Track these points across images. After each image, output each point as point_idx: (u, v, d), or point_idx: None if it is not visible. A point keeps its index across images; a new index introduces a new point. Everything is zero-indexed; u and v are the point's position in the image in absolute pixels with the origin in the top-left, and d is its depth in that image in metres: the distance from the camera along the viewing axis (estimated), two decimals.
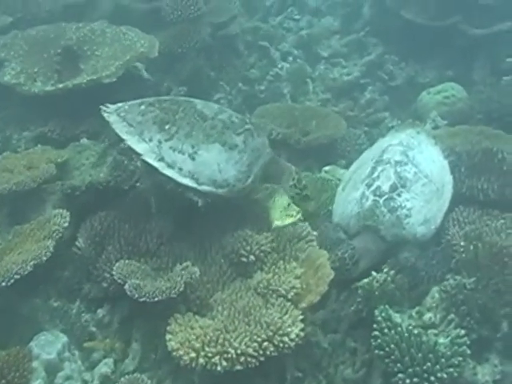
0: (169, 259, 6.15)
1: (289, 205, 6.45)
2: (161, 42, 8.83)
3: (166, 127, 6.07)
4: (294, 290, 5.74)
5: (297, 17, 11.68)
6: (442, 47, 10.42)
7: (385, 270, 6.05)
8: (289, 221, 6.39)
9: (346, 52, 10.91)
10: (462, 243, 6.28)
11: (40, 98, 7.87)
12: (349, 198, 6.71)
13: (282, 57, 10.72)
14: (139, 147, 6.06)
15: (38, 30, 9.01)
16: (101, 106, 6.28)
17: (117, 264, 5.82)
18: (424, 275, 6.17)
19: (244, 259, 6.04)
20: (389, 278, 5.96)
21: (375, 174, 6.61)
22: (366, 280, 5.96)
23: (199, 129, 6.08)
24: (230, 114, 6.32)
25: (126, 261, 5.90)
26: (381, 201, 6.36)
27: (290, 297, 5.71)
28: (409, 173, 6.53)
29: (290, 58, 10.64)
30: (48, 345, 5.77)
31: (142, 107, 6.22)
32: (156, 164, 6.00)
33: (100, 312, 6.13)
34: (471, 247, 6.10)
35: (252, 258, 6.03)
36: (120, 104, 6.31)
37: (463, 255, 6.13)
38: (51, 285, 6.27)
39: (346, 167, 8.01)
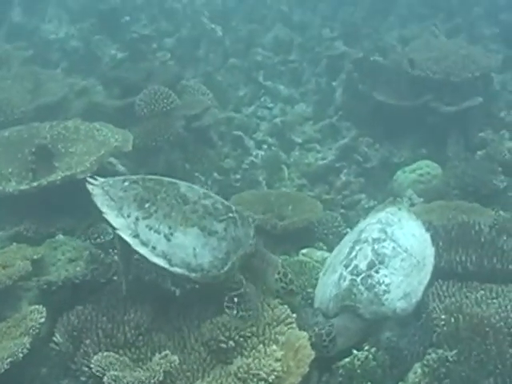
0: (147, 349, 6.07)
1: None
2: (135, 137, 8.92)
3: (146, 205, 6.08)
4: (275, 373, 5.64)
5: (270, 105, 11.91)
6: (414, 126, 10.65)
7: (366, 348, 6.01)
8: None
9: (319, 137, 11.05)
10: (443, 316, 6.24)
11: (15, 197, 7.86)
12: (328, 281, 6.71)
13: (257, 145, 10.87)
14: (116, 221, 6.07)
15: (11, 131, 9.06)
16: (87, 178, 6.31)
17: (95, 357, 5.73)
18: (407, 354, 6.10)
19: (223, 345, 5.97)
20: (370, 356, 5.93)
21: (353, 254, 6.64)
22: (347, 359, 5.93)
23: (179, 211, 6.06)
24: (215, 200, 6.28)
25: (105, 353, 5.80)
26: (358, 279, 6.36)
27: (270, 380, 5.61)
28: (387, 248, 6.56)
29: (265, 146, 10.75)
30: None
31: (126, 184, 6.25)
32: (130, 240, 6.00)
33: None
34: (452, 320, 6.06)
35: (231, 343, 5.97)
36: (106, 179, 6.35)
37: (444, 328, 6.09)
38: (28, 383, 6.14)
39: (324, 249, 8.04)
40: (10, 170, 8.33)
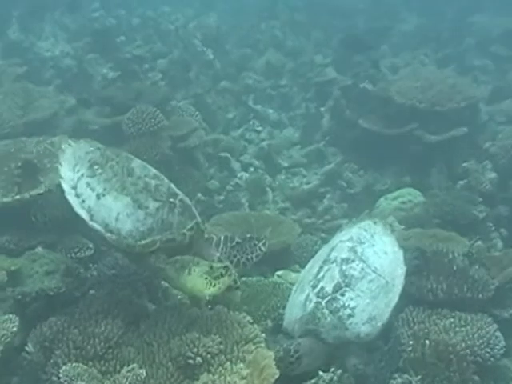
0: (116, 362, 6.13)
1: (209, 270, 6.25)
2: None
3: (95, 167, 6.42)
4: None
5: (258, 128, 11.99)
6: (399, 154, 10.74)
7: (331, 370, 6.07)
8: (213, 289, 6.26)
9: (305, 162, 11.13)
10: (411, 342, 6.32)
11: None
12: (296, 301, 6.75)
13: (243, 167, 10.94)
14: (65, 173, 6.46)
15: None
16: (68, 141, 6.76)
17: (63, 367, 5.81)
18: (373, 380, 6.17)
19: (191, 361, 6.03)
20: (335, 378, 5.98)
21: (320, 275, 6.67)
22: (312, 380, 5.99)
23: (120, 180, 6.31)
24: (163, 184, 6.42)
25: (73, 364, 5.87)
26: (323, 302, 6.38)
27: None
28: (355, 270, 6.57)
29: (251, 169, 10.82)
30: None
31: (90, 148, 6.66)
32: (66, 189, 6.35)
33: None
34: (418, 346, 6.14)
35: (199, 359, 6.02)
36: (79, 142, 6.76)
37: (411, 354, 6.15)
38: None
39: (300, 271, 8.09)
40: None
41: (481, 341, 6.46)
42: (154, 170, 6.57)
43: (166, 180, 6.53)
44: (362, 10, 17.70)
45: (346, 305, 6.32)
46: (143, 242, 6.14)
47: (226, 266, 6.15)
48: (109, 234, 6.15)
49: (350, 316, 6.28)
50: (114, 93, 11.40)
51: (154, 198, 6.23)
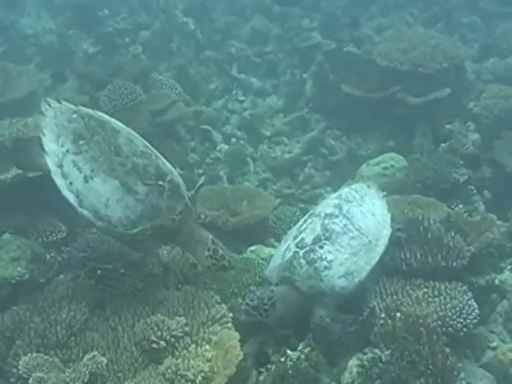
0: (80, 349, 6.08)
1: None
2: None
3: (80, 142, 6.28)
4: (202, 374, 5.66)
5: (241, 98, 11.80)
6: (382, 118, 10.53)
7: (299, 348, 5.98)
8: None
9: (288, 130, 10.95)
10: (382, 315, 6.19)
11: None
12: (278, 251, 6.84)
13: (225, 139, 10.76)
14: (49, 146, 6.32)
15: None
16: (46, 99, 6.64)
17: (23, 358, 5.76)
18: (336, 341, 6.10)
19: (155, 345, 5.97)
20: (302, 356, 5.89)
21: (303, 227, 6.72)
22: (281, 359, 5.90)
23: (107, 159, 6.19)
24: (150, 162, 6.31)
25: (33, 354, 5.81)
26: (301, 252, 6.41)
27: (197, 381, 5.63)
28: (337, 225, 6.58)
29: (233, 140, 10.65)
30: None
31: (74, 116, 6.49)
32: (52, 168, 6.23)
33: None
34: (389, 319, 6.01)
35: (163, 343, 5.97)
36: (61, 105, 6.59)
37: (382, 327, 6.03)
38: None
39: (275, 245, 7.99)
40: None
41: (453, 311, 6.34)
42: (141, 145, 6.48)
43: (153, 155, 6.47)
44: None
45: (324, 257, 6.35)
46: (134, 230, 6.13)
47: (216, 250, 6.34)
48: (99, 223, 6.15)
49: (326, 268, 6.31)
50: (93, 68, 11.28)
51: (142, 182, 6.16)
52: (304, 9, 14.52)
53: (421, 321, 5.92)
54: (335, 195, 7.16)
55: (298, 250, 6.45)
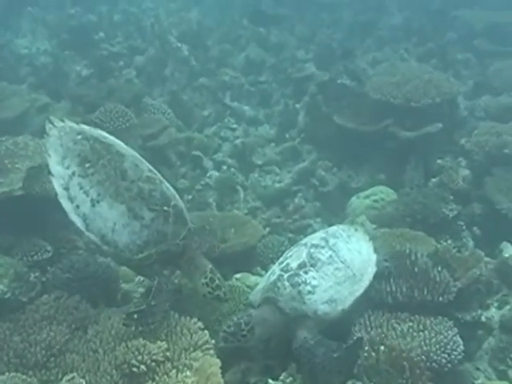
0: (59, 371, 6.02)
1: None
2: None
3: (86, 165, 6.33)
4: None
5: (234, 126, 11.80)
6: (374, 151, 10.53)
7: (281, 378, 5.92)
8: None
9: (280, 160, 10.94)
10: (366, 348, 6.14)
11: None
12: (264, 277, 6.89)
13: (216, 166, 10.75)
14: (55, 168, 6.38)
15: None
16: (50, 118, 6.72)
17: (0, 377, 5.68)
18: (318, 365, 6.01)
19: (135, 369, 5.89)
20: None
21: (289, 254, 6.76)
22: None
23: (113, 183, 6.27)
24: (156, 187, 6.40)
25: (11, 374, 5.73)
26: (285, 275, 6.44)
27: None
28: (323, 255, 6.61)
29: (224, 167, 10.63)
30: None
31: (78, 137, 6.51)
32: (59, 190, 6.28)
33: None
34: (373, 352, 5.97)
35: (143, 367, 5.89)
36: (65, 124, 6.64)
37: (366, 360, 5.98)
38: None
39: (262, 274, 7.96)
40: None
41: (438, 346, 6.28)
42: (146, 170, 6.54)
43: (157, 179, 6.53)
44: (348, 4, 17.38)
45: (308, 282, 6.38)
46: (140, 255, 6.22)
47: (212, 279, 6.44)
48: (106, 247, 6.21)
49: (309, 292, 6.33)
50: (86, 91, 11.27)
51: (148, 207, 6.26)
52: (300, 40, 14.61)
53: (404, 355, 5.90)
54: (322, 231, 7.24)
55: (282, 273, 6.48)
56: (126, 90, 11.33)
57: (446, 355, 6.22)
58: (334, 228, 7.23)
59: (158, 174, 6.64)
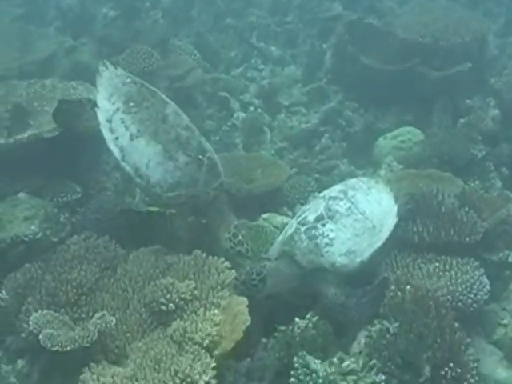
0: (89, 309, 6.15)
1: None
2: None
3: (130, 104, 6.70)
4: (210, 338, 5.68)
5: (260, 67, 11.71)
6: (401, 92, 10.35)
7: (307, 316, 5.98)
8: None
9: (306, 100, 10.86)
10: (392, 287, 6.18)
11: None
12: (282, 231, 6.80)
13: (243, 107, 10.70)
14: (101, 102, 6.76)
15: None
16: (104, 62, 7.17)
17: (33, 314, 5.82)
18: (354, 316, 6.10)
19: (164, 308, 6.01)
20: (310, 325, 5.89)
21: (307, 207, 6.74)
22: (289, 326, 5.91)
23: (154, 124, 6.59)
24: (193, 137, 6.70)
25: (44, 311, 5.86)
26: (302, 228, 6.41)
27: (205, 344, 5.65)
28: (341, 207, 6.56)
29: (251, 108, 10.59)
30: None
31: (128, 80, 6.97)
32: (102, 121, 6.64)
33: (20, 363, 6.13)
34: (398, 292, 6.00)
35: (172, 306, 6.01)
36: (119, 69, 7.18)
37: (391, 299, 6.01)
38: None
39: (288, 214, 8.01)
40: None
41: (464, 286, 6.32)
42: (186, 120, 6.84)
43: (196, 132, 6.81)
44: None
45: (325, 234, 6.34)
46: (170, 193, 6.43)
47: (235, 235, 6.61)
48: (138, 180, 6.49)
49: (327, 245, 6.30)
50: (112, 32, 11.21)
51: (184, 152, 6.50)
52: None
53: (430, 294, 5.91)
54: (342, 183, 7.15)
55: (299, 226, 6.44)
56: (152, 31, 11.25)
57: (472, 295, 6.27)
58: (353, 180, 7.16)
59: (196, 129, 6.88)
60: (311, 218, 6.47)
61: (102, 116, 6.66)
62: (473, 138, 8.86)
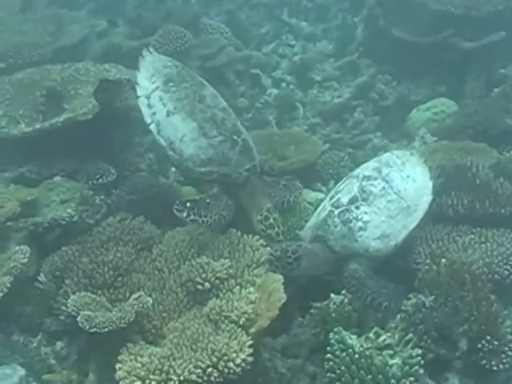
0: (126, 290, 6.22)
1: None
2: None
3: (170, 84, 6.99)
4: (246, 316, 5.71)
5: (292, 42, 11.65)
6: (434, 63, 10.26)
7: (343, 292, 6.00)
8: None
9: (338, 75, 10.80)
10: (427, 261, 6.17)
11: (20, 139, 7.91)
12: (315, 212, 6.81)
13: (275, 84, 10.68)
14: (141, 81, 7.10)
15: (24, 73, 9.11)
16: (149, 48, 7.53)
17: (71, 296, 5.90)
18: (373, 300, 6.09)
19: (200, 287, 6.06)
20: (346, 300, 5.91)
21: (340, 187, 6.69)
22: (324, 302, 5.93)
23: (190, 103, 6.82)
24: (229, 118, 6.91)
25: (82, 293, 5.94)
26: (336, 212, 6.40)
27: (241, 322, 5.68)
28: (375, 187, 6.52)
29: (283, 84, 10.56)
30: (4, 378, 5.82)
31: (169, 63, 7.28)
32: (141, 96, 6.99)
33: (59, 345, 6.25)
34: (433, 265, 5.99)
35: (207, 285, 6.06)
36: (159, 54, 7.59)
37: (426, 273, 6.00)
38: (13, 320, 6.37)
39: (322, 190, 8.01)
40: (21, 112, 8.35)
41: (500, 258, 6.27)
42: (224, 103, 7.03)
43: (233, 115, 7.00)
44: None
45: (359, 217, 6.33)
46: (202, 169, 6.58)
47: (267, 218, 6.64)
48: (171, 153, 6.71)
49: (361, 229, 6.29)
50: (143, 14, 11.20)
51: (218, 131, 6.66)
52: None
53: (466, 267, 5.88)
54: (375, 159, 7.06)
55: (333, 209, 6.43)
56: (183, 11, 11.21)
57: (508, 267, 6.21)
58: (387, 155, 7.05)
59: (233, 113, 7.08)
60: (345, 199, 6.45)
61: (141, 92, 6.98)
62: (507, 108, 8.77)
